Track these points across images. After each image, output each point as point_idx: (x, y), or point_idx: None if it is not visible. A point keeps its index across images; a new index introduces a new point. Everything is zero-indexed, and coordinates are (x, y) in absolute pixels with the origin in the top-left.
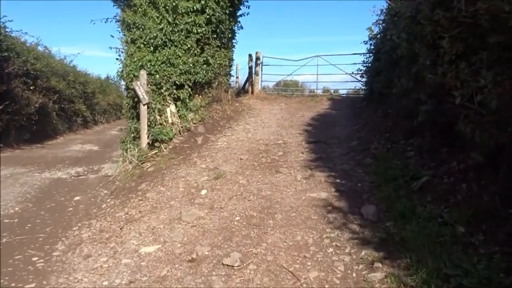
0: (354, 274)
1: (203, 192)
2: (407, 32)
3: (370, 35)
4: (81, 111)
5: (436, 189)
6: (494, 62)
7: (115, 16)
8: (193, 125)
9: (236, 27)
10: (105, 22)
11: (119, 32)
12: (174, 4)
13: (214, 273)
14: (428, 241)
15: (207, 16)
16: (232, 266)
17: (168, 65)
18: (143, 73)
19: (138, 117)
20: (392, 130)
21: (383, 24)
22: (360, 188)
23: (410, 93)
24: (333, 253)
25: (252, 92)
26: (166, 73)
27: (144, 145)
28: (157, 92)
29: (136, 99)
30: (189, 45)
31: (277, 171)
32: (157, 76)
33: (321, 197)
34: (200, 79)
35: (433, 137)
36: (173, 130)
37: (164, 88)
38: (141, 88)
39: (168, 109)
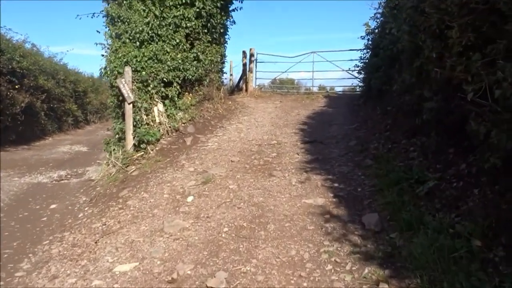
0: None
1: (190, 199)
2: (409, 24)
3: (367, 30)
4: (72, 111)
5: (444, 195)
6: None
7: (102, 11)
8: (182, 125)
9: (228, 22)
10: (92, 17)
11: (105, 27)
12: None
13: None
14: (440, 257)
15: (197, 10)
16: None
17: (155, 61)
18: (128, 70)
19: (123, 116)
20: (393, 128)
21: (381, 18)
22: (360, 193)
23: (413, 89)
24: (332, 271)
25: (246, 90)
26: (153, 70)
27: (129, 146)
28: (143, 90)
29: (121, 98)
30: (177, 40)
31: (270, 174)
32: (144, 73)
33: (318, 203)
34: (190, 76)
35: (439, 136)
36: (161, 130)
37: (151, 85)
38: (126, 85)
39: (155, 108)
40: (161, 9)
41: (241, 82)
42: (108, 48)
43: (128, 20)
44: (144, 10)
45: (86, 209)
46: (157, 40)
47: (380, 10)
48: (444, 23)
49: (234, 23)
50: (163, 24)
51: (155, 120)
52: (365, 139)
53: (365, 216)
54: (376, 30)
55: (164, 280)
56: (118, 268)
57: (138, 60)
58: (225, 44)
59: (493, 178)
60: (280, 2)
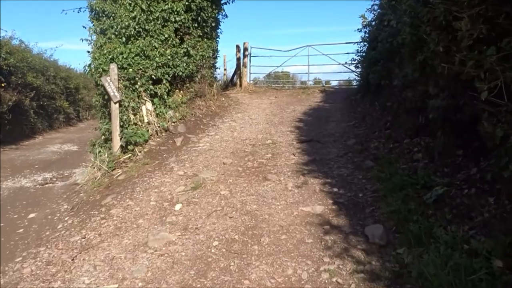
0: None
1: (178, 207)
2: (410, 15)
3: (364, 23)
4: (63, 108)
5: (455, 203)
6: None
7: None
8: (172, 124)
9: (220, 16)
10: (78, 12)
11: (91, 22)
12: None
13: None
14: (456, 279)
15: (186, 3)
16: None
17: (143, 57)
18: (113, 67)
19: (110, 116)
20: (393, 126)
21: (379, 10)
22: (362, 200)
23: (416, 85)
24: None
25: (241, 85)
26: (141, 67)
27: (116, 148)
28: (130, 88)
29: (106, 97)
30: (166, 35)
31: (264, 178)
32: (131, 70)
33: (316, 211)
34: (180, 73)
35: (445, 136)
36: (149, 130)
37: (139, 83)
38: (111, 84)
39: (143, 107)
40: (148, 2)
41: (235, 77)
42: (93, 45)
43: (113, 15)
44: (130, 4)
45: (66, 219)
46: (144, 36)
47: (377, 2)
48: (452, 14)
49: (226, 16)
50: (151, 18)
51: (143, 120)
52: (364, 138)
53: (368, 227)
54: (373, 23)
55: None
56: None
57: (125, 56)
58: (217, 39)
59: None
60: None
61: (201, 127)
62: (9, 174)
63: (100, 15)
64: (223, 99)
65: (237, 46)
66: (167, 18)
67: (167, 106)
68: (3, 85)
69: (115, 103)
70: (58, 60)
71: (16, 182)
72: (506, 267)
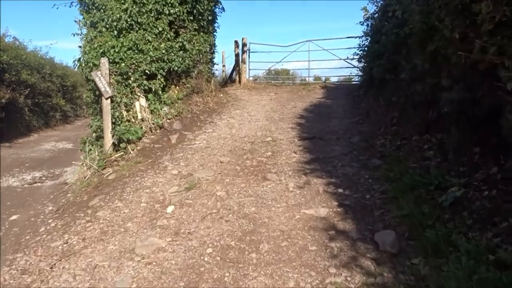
0: None
1: (170, 209)
2: (419, 2)
3: (366, 16)
4: (59, 106)
5: (475, 207)
6: None
7: None
8: (168, 121)
9: (217, 9)
10: (70, 7)
11: (81, 15)
12: None
13: None
14: None
15: None
16: None
17: (136, 51)
18: (104, 61)
19: (101, 113)
20: (401, 122)
21: (381, 1)
22: (370, 201)
23: (425, 77)
24: None
25: (240, 82)
26: (134, 61)
27: (108, 146)
28: (123, 84)
29: (97, 92)
30: (160, 28)
31: (264, 177)
32: (123, 64)
33: (320, 214)
34: (176, 68)
35: (460, 132)
36: (143, 127)
37: (131, 78)
38: (102, 79)
39: (137, 103)
40: None
41: (234, 73)
42: (83, 38)
43: (103, 7)
44: None
45: (50, 221)
46: (137, 29)
47: None
48: None
49: (224, 10)
50: (143, 10)
51: (136, 117)
52: (369, 134)
53: (378, 233)
54: (376, 15)
55: None
56: None
57: (116, 50)
58: (215, 33)
59: None
60: None
61: (198, 124)
62: None
63: (90, 7)
64: (222, 95)
65: (236, 42)
66: (160, 10)
67: (162, 102)
68: None
69: (106, 98)
70: (54, 58)
71: (3, 181)
72: None
